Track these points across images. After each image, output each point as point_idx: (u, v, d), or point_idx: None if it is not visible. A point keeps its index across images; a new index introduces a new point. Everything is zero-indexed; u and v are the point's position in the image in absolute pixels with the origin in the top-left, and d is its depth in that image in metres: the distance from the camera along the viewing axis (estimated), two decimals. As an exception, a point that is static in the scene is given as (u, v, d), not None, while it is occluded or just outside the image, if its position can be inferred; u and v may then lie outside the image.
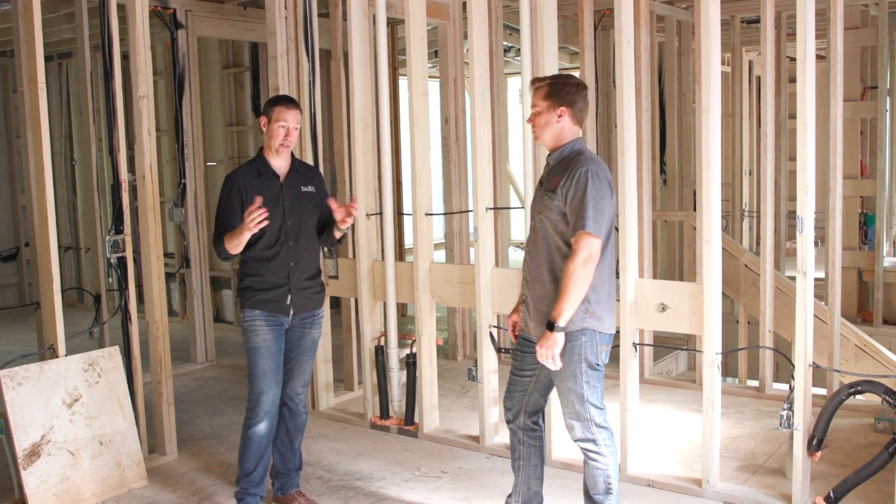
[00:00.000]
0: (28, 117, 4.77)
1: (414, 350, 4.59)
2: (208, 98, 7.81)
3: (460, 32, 6.12)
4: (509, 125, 7.93)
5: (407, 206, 7.29)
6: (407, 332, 5.37)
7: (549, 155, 3.15)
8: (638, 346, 3.90)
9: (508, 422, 3.33)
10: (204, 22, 6.28)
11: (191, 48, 6.19)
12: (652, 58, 5.65)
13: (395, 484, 4.04)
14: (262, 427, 3.54)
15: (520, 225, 10.73)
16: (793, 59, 4.15)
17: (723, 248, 3.92)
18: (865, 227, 7.74)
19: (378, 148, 4.78)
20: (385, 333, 4.78)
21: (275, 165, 3.56)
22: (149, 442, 4.35)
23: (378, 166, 4.81)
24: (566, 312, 2.92)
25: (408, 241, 7.47)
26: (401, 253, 8.10)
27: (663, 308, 3.81)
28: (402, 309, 7.32)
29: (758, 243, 7.43)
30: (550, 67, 4.01)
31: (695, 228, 5.31)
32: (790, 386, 3.64)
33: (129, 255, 4.22)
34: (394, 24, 7.00)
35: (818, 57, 5.90)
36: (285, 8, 4.83)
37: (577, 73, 5.31)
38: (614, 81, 4.05)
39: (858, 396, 3.87)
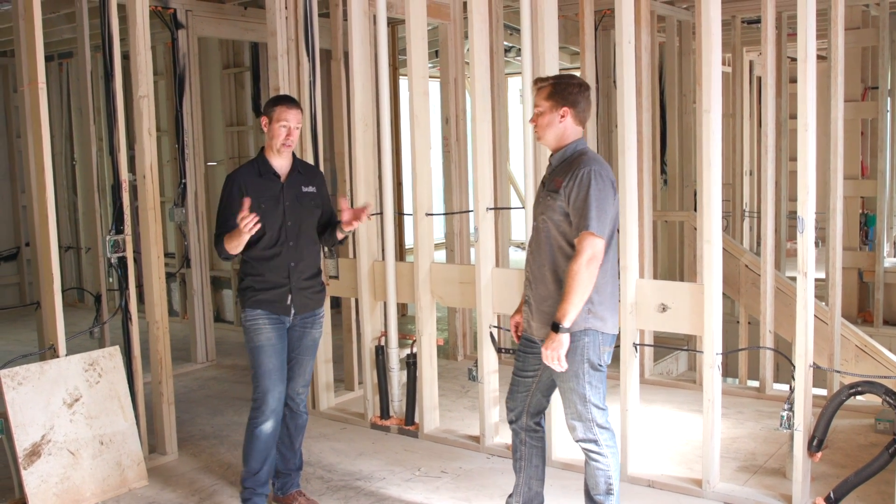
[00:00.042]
0: (28, 117, 4.76)
1: (414, 350, 4.59)
2: (209, 98, 7.80)
3: (461, 32, 6.11)
4: (510, 125, 7.93)
5: (407, 206, 7.29)
6: (407, 332, 5.37)
7: (551, 155, 3.15)
8: (638, 347, 3.90)
9: (511, 422, 3.33)
10: (204, 22, 6.28)
11: (191, 48, 6.19)
12: (652, 58, 5.65)
13: (396, 484, 4.03)
14: (267, 426, 3.53)
15: (520, 225, 10.74)
16: (793, 60, 4.16)
17: (723, 249, 3.92)
18: (866, 227, 7.73)
19: (378, 148, 4.78)
20: (385, 333, 4.78)
21: (276, 165, 3.55)
22: (149, 442, 4.35)
23: (378, 166, 4.81)
24: (571, 313, 2.92)
25: (408, 241, 7.47)
26: (401, 253, 8.10)
27: (664, 308, 3.80)
28: (402, 309, 7.31)
29: (758, 244, 7.44)
30: (551, 67, 4.01)
31: (695, 229, 5.31)
32: (790, 386, 3.64)
33: (129, 254, 4.22)
34: (394, 24, 7.00)
35: (819, 57, 5.89)
36: (286, 8, 4.83)
37: (577, 74, 5.31)
38: (615, 82, 4.04)
39: (859, 397, 3.87)
